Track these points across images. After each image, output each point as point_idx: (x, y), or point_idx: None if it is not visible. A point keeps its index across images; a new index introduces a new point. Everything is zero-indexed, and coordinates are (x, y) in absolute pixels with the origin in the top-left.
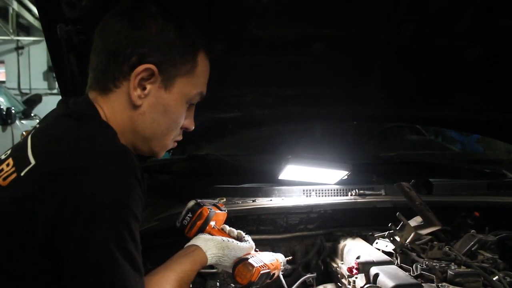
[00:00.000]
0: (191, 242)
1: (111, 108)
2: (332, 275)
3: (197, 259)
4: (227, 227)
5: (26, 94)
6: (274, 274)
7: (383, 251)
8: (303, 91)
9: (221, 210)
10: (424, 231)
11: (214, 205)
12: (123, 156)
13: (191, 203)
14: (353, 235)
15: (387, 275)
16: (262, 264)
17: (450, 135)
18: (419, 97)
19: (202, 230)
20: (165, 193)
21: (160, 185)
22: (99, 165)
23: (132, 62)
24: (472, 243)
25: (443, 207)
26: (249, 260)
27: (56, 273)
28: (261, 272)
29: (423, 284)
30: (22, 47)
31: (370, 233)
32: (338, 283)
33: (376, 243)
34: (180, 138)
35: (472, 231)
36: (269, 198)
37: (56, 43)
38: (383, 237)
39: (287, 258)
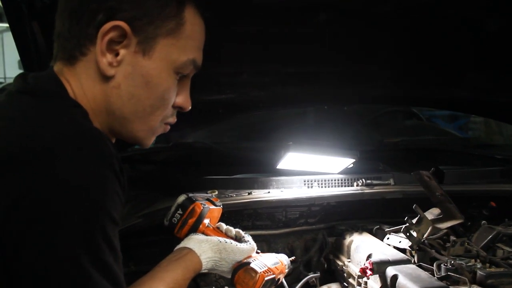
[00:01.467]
0: (182, 244)
1: (79, 82)
2: (337, 274)
3: (190, 264)
4: (224, 226)
5: (1, 83)
6: (279, 279)
7: (396, 248)
8: (304, 69)
9: (215, 205)
10: (443, 225)
11: (208, 199)
12: (96, 142)
13: (182, 197)
14: (358, 230)
15: (408, 277)
16: (266, 269)
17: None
18: (429, 75)
19: (194, 229)
20: (148, 186)
21: (142, 176)
22: (63, 154)
23: (98, 21)
24: (491, 236)
25: (455, 197)
26: (251, 265)
27: None
28: (266, 278)
29: (450, 287)
30: None
31: (378, 227)
32: (344, 283)
33: (388, 238)
34: (173, 120)
35: (483, 222)
36: (267, 190)
37: (16, 9)
38: (396, 232)
39: (290, 259)
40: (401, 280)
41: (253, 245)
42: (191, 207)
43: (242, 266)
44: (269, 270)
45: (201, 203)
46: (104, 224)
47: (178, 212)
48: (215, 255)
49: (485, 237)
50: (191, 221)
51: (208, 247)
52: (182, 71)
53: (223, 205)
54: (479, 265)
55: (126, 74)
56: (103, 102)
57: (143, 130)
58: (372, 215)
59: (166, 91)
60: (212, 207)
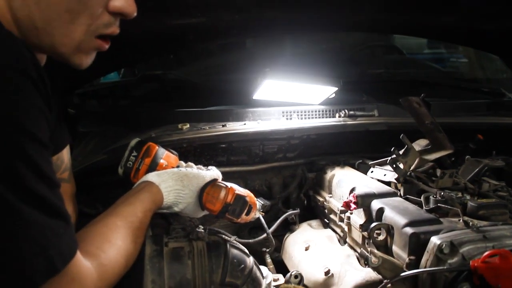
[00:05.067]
0: (141, 180)
1: None
2: (317, 210)
3: (149, 196)
4: (183, 163)
5: None
6: (251, 207)
7: (380, 181)
8: None
9: (172, 152)
10: (431, 156)
11: (163, 147)
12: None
13: (134, 140)
14: (340, 164)
15: (395, 210)
16: (235, 187)
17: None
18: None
19: (152, 169)
20: (115, 121)
21: (108, 111)
22: None
23: None
24: (478, 169)
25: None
26: (217, 182)
27: None
28: (237, 192)
29: (441, 219)
30: None
31: (360, 161)
32: (325, 220)
33: (372, 172)
34: (111, 30)
35: (467, 156)
36: (243, 122)
37: None
38: (381, 165)
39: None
40: (387, 213)
41: (217, 172)
42: (145, 146)
43: (208, 184)
44: (239, 190)
45: (155, 144)
46: (23, 145)
47: (133, 154)
48: (176, 184)
49: (471, 170)
50: (147, 160)
51: (167, 177)
52: None
53: (195, 138)
54: (468, 197)
55: None
56: (6, 8)
57: (66, 44)
58: (354, 149)
59: None
60: (168, 152)
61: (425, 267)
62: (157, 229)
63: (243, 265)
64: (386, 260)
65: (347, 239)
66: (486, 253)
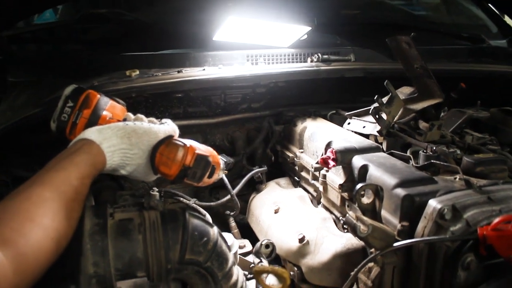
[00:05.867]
0: (77, 137)
1: None
2: (286, 168)
3: (88, 158)
4: (131, 115)
5: None
6: (214, 168)
7: (359, 134)
8: None
9: (118, 102)
10: (418, 106)
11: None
12: None
13: (69, 88)
14: (311, 116)
15: (382, 168)
16: (195, 145)
17: None
18: None
19: (92, 123)
20: (51, 69)
21: (43, 57)
22: None
23: None
24: (461, 120)
25: None
26: (174, 140)
27: None
28: (197, 152)
29: (434, 178)
30: None
31: (334, 112)
32: (296, 177)
33: (349, 124)
34: None
35: (445, 108)
36: (201, 68)
37: None
38: (359, 115)
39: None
40: (373, 171)
41: (173, 126)
42: (84, 95)
43: (162, 142)
44: (200, 149)
45: (97, 92)
46: None
47: (68, 105)
48: (122, 142)
49: (454, 122)
50: (86, 112)
51: (111, 133)
52: None
53: (146, 86)
54: (459, 152)
55: None
56: None
57: None
58: (326, 99)
59: None
60: (113, 102)
61: (422, 236)
62: (105, 193)
63: (205, 238)
64: (376, 228)
65: (322, 200)
66: (497, 219)
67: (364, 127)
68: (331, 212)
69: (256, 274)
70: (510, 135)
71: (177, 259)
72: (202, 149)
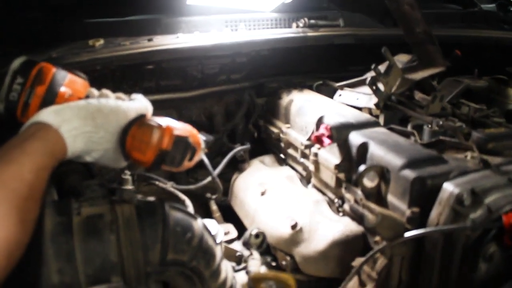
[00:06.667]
0: (30, 121)
1: None
2: (270, 144)
3: (44, 146)
4: (95, 91)
5: None
6: (195, 150)
7: (352, 107)
8: None
9: (79, 76)
10: (418, 75)
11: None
12: None
13: (17, 61)
14: (296, 87)
15: (384, 145)
16: (172, 125)
17: None
18: None
19: (48, 103)
20: (2, 39)
21: None
22: None
23: None
24: (458, 90)
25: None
26: (147, 120)
27: None
28: (176, 133)
29: (443, 156)
30: None
31: (321, 83)
32: (282, 155)
33: (340, 96)
34: None
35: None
36: (175, 35)
37: None
38: (351, 86)
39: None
40: (374, 150)
41: (145, 102)
42: (36, 69)
43: (133, 123)
44: (176, 129)
45: (52, 64)
46: None
47: (17, 82)
48: (85, 124)
49: (450, 92)
50: (40, 89)
51: (71, 114)
52: None
53: (113, 57)
54: (464, 126)
55: None
56: None
57: None
58: (311, 68)
59: None
60: (72, 76)
61: (437, 224)
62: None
63: (189, 234)
64: (386, 217)
65: (313, 180)
66: None
67: (357, 99)
68: (324, 194)
69: (254, 282)
70: (506, 105)
71: (158, 260)
72: (180, 128)
